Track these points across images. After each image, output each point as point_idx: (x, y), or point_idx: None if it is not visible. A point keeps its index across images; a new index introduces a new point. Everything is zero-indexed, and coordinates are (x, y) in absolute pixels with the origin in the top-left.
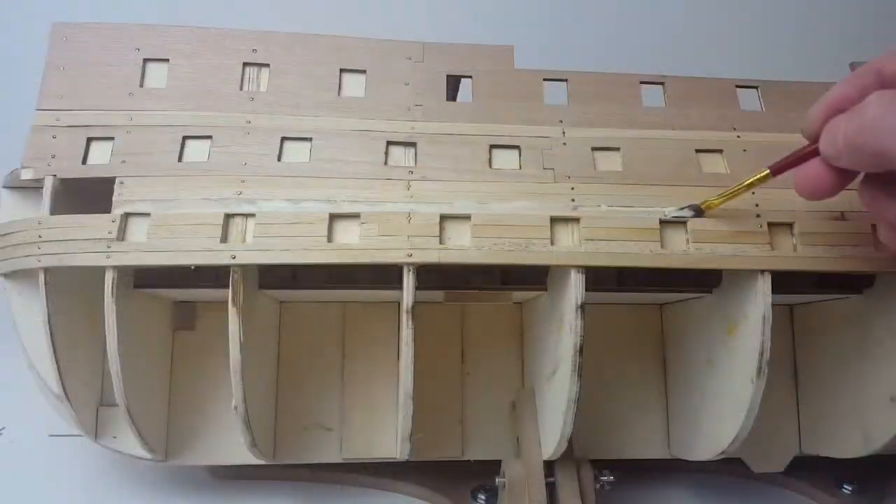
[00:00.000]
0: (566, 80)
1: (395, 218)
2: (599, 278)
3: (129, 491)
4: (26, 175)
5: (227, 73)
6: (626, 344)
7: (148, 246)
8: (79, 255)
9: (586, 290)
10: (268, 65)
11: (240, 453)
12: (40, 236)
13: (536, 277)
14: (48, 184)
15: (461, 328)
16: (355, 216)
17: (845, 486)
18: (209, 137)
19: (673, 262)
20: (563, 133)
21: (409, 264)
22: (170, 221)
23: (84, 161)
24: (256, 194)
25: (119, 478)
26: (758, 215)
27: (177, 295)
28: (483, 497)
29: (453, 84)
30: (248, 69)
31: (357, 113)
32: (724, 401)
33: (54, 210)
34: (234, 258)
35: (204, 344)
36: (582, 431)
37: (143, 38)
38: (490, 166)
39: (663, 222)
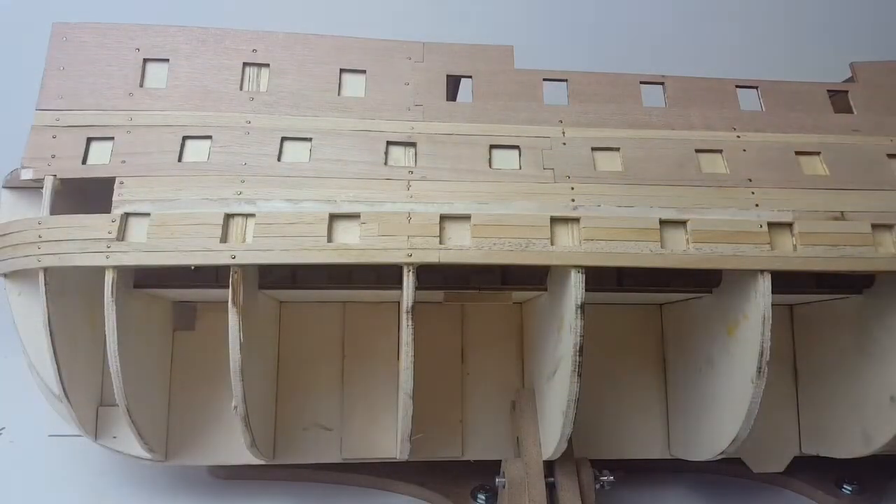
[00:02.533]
0: (566, 80)
1: (394, 218)
2: (599, 278)
3: (129, 491)
4: (26, 175)
5: (227, 73)
6: (626, 344)
7: (148, 246)
8: (79, 255)
9: (586, 290)
10: (268, 65)
11: (240, 453)
12: (40, 236)
13: (536, 277)
14: (48, 184)
15: (461, 328)
16: (355, 216)
17: (845, 486)
18: (209, 137)
19: (673, 262)
20: (563, 133)
21: (408, 264)
22: (170, 221)
23: (84, 161)
24: (256, 194)
25: (119, 478)
26: (758, 215)
27: (177, 295)
28: (483, 497)
29: (453, 84)
30: (248, 69)
31: (357, 113)
32: (724, 401)
33: (54, 210)
34: (234, 258)
35: (204, 344)
36: (582, 431)
37: (143, 38)
38: (490, 166)
39: (663, 222)
